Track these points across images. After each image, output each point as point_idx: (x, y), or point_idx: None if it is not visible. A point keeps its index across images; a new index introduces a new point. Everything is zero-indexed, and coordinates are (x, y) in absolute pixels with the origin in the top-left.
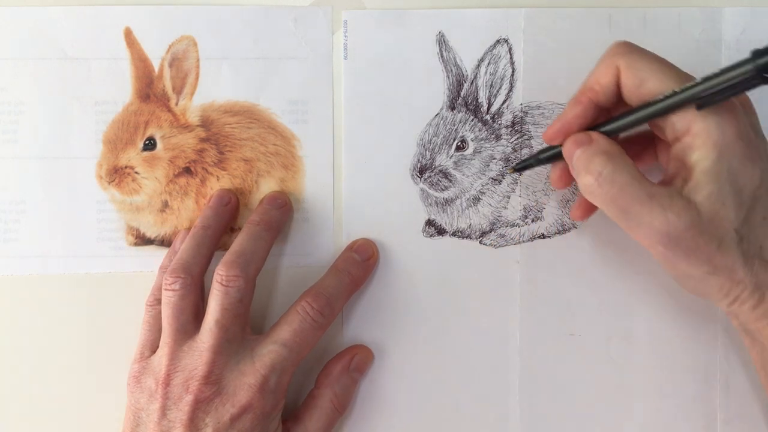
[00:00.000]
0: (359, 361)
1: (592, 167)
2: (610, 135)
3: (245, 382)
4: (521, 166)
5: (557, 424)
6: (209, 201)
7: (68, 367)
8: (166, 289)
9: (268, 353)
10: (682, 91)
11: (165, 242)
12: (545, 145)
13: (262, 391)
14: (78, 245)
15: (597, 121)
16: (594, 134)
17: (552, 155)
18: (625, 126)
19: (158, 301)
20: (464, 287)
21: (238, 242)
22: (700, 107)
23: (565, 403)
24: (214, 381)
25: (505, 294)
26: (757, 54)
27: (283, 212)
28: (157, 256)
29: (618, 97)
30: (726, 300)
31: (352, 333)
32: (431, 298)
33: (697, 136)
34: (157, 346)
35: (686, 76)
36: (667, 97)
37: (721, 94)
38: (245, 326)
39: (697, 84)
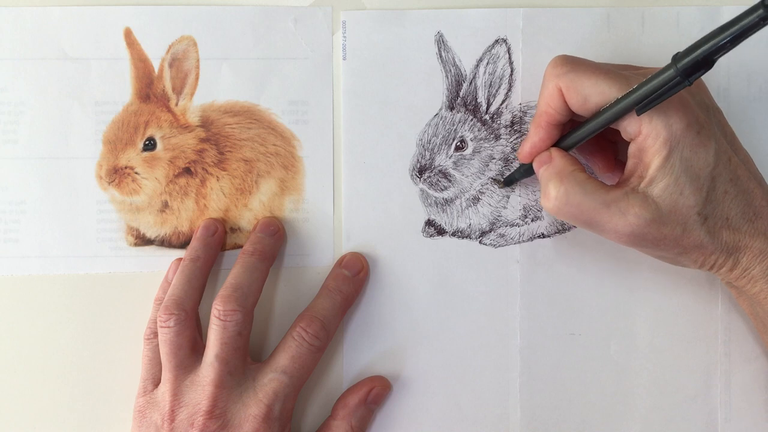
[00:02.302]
0: (377, 393)
1: (547, 192)
2: (572, 147)
3: (250, 414)
4: (508, 180)
5: (557, 424)
6: (196, 232)
7: (68, 367)
8: (161, 327)
9: (269, 382)
10: (621, 100)
11: (165, 242)
12: None
13: (267, 420)
14: (78, 245)
15: (564, 132)
16: (554, 152)
17: (529, 168)
18: (580, 139)
19: (155, 334)
20: (464, 287)
21: (234, 275)
22: (639, 112)
23: (566, 402)
24: (218, 415)
25: (505, 294)
26: (677, 58)
27: (276, 239)
28: (157, 256)
29: (572, 111)
30: (703, 268)
31: (352, 333)
32: (431, 298)
33: (647, 137)
34: (159, 379)
35: (625, 80)
36: (608, 109)
37: (653, 100)
38: (245, 357)
39: (633, 92)
